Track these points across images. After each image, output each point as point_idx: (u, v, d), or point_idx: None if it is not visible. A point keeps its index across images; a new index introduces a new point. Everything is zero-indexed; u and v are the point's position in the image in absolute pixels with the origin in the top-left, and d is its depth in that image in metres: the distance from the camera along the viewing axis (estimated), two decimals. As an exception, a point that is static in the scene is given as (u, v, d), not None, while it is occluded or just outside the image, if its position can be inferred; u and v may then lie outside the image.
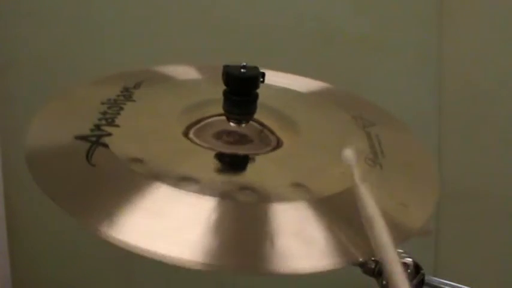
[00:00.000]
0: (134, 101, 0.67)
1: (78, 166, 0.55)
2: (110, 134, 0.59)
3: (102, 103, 0.65)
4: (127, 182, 0.53)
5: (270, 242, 0.49)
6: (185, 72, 0.78)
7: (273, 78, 0.72)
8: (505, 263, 1.10)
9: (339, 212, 0.54)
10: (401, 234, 0.52)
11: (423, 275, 0.62)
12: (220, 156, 0.59)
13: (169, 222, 0.50)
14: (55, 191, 0.53)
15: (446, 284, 0.64)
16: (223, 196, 0.52)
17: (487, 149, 1.07)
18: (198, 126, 0.63)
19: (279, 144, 0.62)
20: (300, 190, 0.55)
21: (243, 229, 0.50)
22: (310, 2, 1.03)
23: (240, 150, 0.61)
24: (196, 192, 0.52)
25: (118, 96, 0.68)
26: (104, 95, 0.67)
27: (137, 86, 0.71)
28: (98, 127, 0.60)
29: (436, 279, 0.64)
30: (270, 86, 0.70)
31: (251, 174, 0.58)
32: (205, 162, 0.58)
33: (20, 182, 1.01)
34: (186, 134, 0.62)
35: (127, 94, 0.68)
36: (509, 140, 1.07)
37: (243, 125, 0.63)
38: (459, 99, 1.07)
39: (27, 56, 1.02)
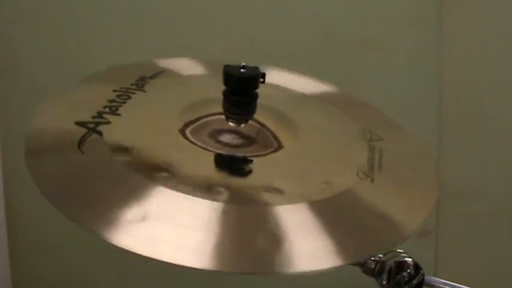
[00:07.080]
0: (145, 91, 0.66)
1: (70, 152, 0.54)
2: (108, 122, 0.58)
3: (114, 90, 0.64)
4: (109, 171, 0.53)
5: (273, 242, 0.49)
6: (194, 67, 0.76)
7: (290, 82, 0.73)
8: (505, 263, 1.10)
9: (336, 214, 0.54)
10: (383, 244, 0.54)
11: (423, 275, 0.62)
12: (216, 157, 0.58)
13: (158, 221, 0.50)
14: (44, 175, 0.52)
15: (446, 284, 0.64)
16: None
17: (487, 149, 1.07)
18: (196, 124, 0.62)
19: (278, 146, 0.62)
20: (297, 192, 0.55)
21: (243, 231, 0.50)
22: (310, 2, 1.03)
23: (238, 152, 0.60)
24: (168, 186, 0.52)
25: (131, 85, 0.66)
26: (119, 83, 0.66)
27: (154, 76, 0.69)
28: (100, 115, 0.59)
29: (436, 279, 0.64)
30: (277, 87, 0.69)
31: (249, 175, 0.58)
32: (198, 161, 0.57)
33: (20, 182, 1.01)
34: (183, 130, 0.60)
35: (140, 84, 0.67)
36: (509, 140, 1.07)
37: (242, 125, 0.63)
38: (459, 99, 1.07)
39: (27, 56, 1.02)
